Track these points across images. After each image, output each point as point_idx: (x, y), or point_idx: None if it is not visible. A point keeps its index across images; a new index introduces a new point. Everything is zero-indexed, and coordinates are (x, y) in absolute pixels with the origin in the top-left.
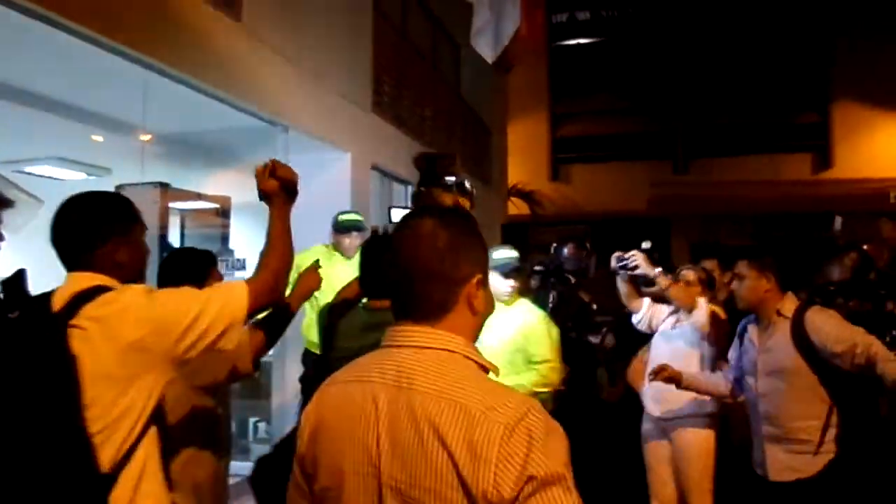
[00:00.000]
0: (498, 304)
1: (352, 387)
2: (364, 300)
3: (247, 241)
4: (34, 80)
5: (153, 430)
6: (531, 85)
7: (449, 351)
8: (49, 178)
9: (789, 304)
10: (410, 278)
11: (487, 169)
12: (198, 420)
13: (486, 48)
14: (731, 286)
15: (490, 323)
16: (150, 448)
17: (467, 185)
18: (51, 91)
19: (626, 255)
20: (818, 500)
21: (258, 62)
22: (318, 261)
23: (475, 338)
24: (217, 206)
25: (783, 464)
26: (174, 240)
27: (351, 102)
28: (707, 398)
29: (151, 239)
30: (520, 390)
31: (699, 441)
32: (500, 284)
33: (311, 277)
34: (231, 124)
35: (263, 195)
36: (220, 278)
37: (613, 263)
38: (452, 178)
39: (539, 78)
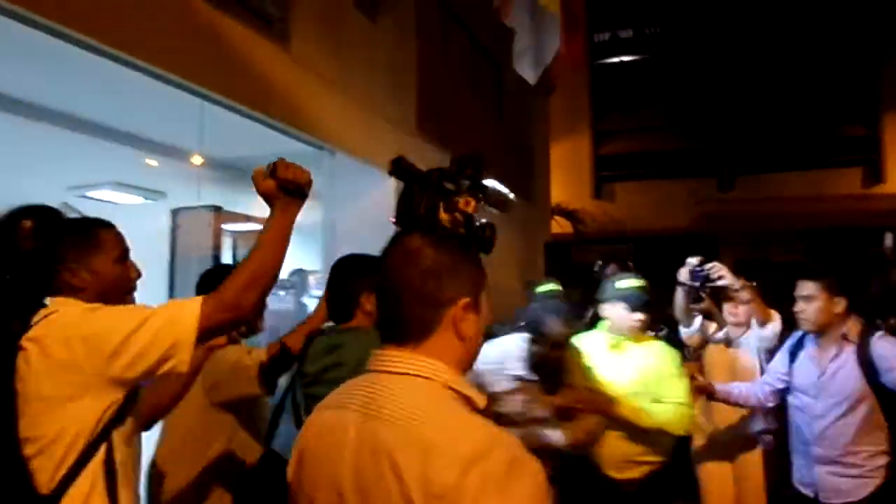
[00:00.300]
0: (620, 340)
1: (332, 413)
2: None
3: (295, 261)
4: (97, 110)
5: (101, 455)
6: (574, 103)
7: (426, 378)
8: (108, 202)
9: (854, 328)
10: (394, 298)
11: (530, 187)
12: (214, 436)
13: (528, 70)
14: (797, 308)
15: (614, 359)
16: (96, 472)
17: (487, 185)
18: (111, 120)
19: (708, 266)
20: None
21: (306, 90)
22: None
23: (465, 366)
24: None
25: (834, 486)
26: (227, 260)
27: (395, 126)
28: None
29: (205, 259)
30: (644, 419)
31: (761, 459)
32: (624, 318)
33: (319, 316)
34: (280, 149)
35: (263, 197)
36: None
37: (684, 275)
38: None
39: (581, 96)
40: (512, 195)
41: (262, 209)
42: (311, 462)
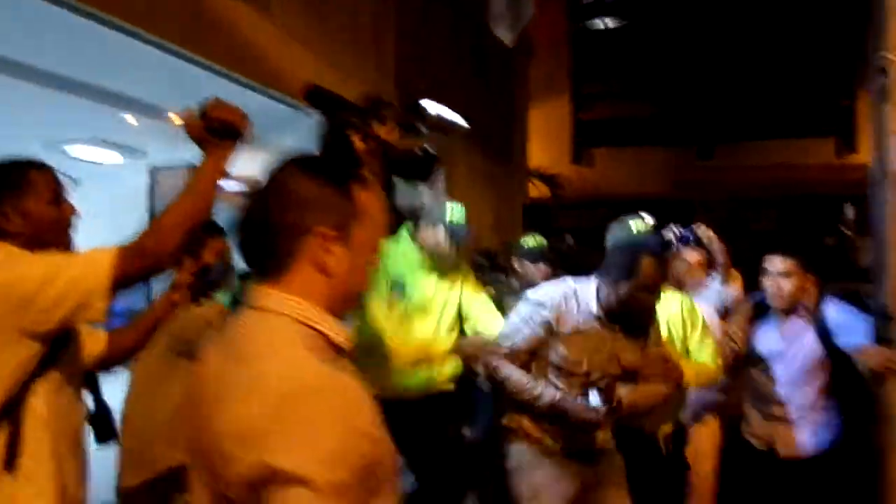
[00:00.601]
0: None
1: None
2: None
3: None
4: (74, 67)
5: (23, 407)
6: (555, 68)
7: (277, 313)
8: (86, 160)
9: (812, 297)
10: (256, 230)
11: (509, 151)
12: (174, 381)
13: (505, 32)
14: (771, 282)
15: None
16: (14, 424)
17: (429, 111)
18: (89, 77)
19: (696, 227)
20: (824, 475)
21: (284, 51)
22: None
23: (337, 303)
24: (245, 186)
25: (790, 440)
26: None
27: (374, 88)
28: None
29: None
30: (702, 381)
31: (717, 432)
32: None
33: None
34: (258, 109)
35: (193, 140)
36: (223, 248)
37: (670, 238)
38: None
39: (562, 61)
40: (462, 121)
41: (239, 168)
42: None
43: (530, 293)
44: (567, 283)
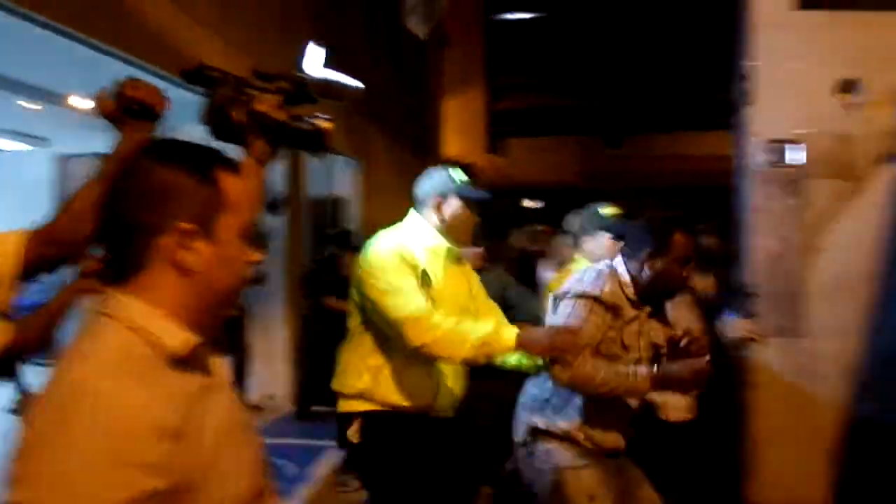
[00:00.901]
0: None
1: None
2: None
3: None
4: None
5: None
6: (469, 58)
7: (112, 318)
8: None
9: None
10: (107, 228)
11: (425, 142)
12: None
13: (419, 26)
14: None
15: None
16: None
17: (308, 77)
18: None
19: None
20: (704, 434)
21: (194, 39)
22: None
23: (204, 304)
24: None
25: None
26: None
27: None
28: None
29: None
30: None
31: None
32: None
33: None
34: (170, 96)
35: (108, 121)
36: None
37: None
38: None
39: (477, 52)
40: (354, 82)
41: None
42: None
43: (575, 287)
44: (601, 269)
